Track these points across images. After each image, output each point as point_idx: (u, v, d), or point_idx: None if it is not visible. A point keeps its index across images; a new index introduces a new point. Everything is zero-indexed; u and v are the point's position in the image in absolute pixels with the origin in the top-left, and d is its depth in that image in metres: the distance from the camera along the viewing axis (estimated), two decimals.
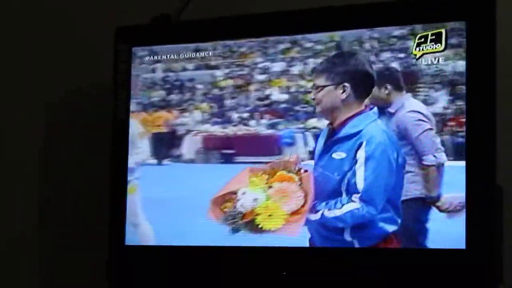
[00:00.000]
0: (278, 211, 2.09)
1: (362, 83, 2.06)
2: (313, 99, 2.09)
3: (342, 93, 2.06)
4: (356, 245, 2.04)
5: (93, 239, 2.45)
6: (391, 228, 2.02)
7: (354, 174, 2.03)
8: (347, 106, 2.06)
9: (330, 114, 2.08)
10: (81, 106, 2.59)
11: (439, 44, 2.03)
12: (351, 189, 2.03)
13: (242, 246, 2.16)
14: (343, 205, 2.04)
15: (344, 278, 2.06)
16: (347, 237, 2.05)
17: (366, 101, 2.06)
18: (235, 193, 2.13)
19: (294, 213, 2.08)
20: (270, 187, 2.11)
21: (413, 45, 2.05)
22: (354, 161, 2.03)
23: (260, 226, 2.10)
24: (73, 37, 2.61)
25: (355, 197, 2.03)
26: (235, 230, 2.13)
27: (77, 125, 2.59)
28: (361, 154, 2.02)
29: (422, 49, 2.05)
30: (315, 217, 2.06)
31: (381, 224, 2.02)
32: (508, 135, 2.05)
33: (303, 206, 2.07)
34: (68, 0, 2.65)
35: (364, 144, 2.02)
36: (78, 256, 2.54)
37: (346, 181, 2.03)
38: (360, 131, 2.04)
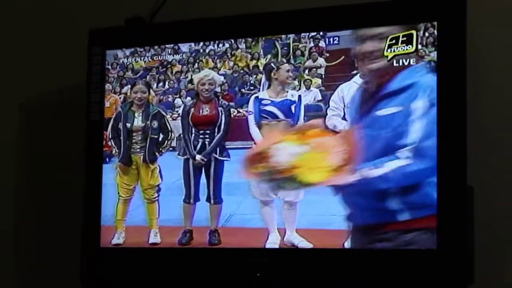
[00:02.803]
0: (321, 164, 2.03)
1: None
2: None
3: None
4: (405, 217, 1.97)
5: (68, 241, 2.45)
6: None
7: (407, 126, 1.99)
8: None
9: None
10: (56, 106, 2.58)
11: (410, 46, 2.04)
12: (400, 144, 1.98)
13: (217, 248, 2.17)
14: (388, 161, 1.98)
15: (315, 278, 2.08)
16: (392, 204, 1.99)
17: None
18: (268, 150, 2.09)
19: (340, 167, 2.02)
20: (306, 143, 2.06)
21: (385, 47, 2.06)
22: (409, 113, 2.00)
23: (300, 180, 2.04)
24: (47, 37, 2.60)
25: (405, 152, 1.98)
26: (276, 186, 2.10)
27: (52, 124, 2.58)
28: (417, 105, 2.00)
29: (393, 51, 2.06)
30: (353, 178, 2.00)
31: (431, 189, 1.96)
32: (479, 135, 2.06)
33: (349, 159, 2.01)
34: (42, 1, 2.64)
35: (419, 95, 1.99)
36: (53, 258, 2.54)
37: (395, 136, 1.99)
38: (414, 83, 2.01)
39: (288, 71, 2.16)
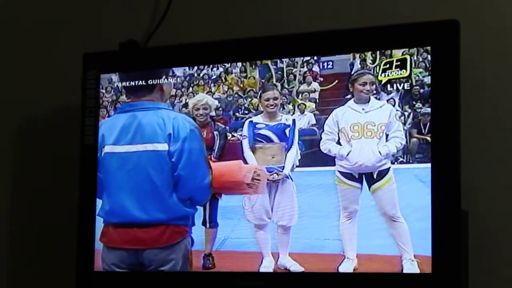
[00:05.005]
0: None
1: None
2: None
3: None
4: None
5: (62, 265, 2.44)
6: None
7: None
8: None
9: None
10: (50, 129, 2.58)
11: (404, 70, 2.05)
12: None
13: (211, 272, 2.17)
14: None
15: None
16: None
17: None
18: None
19: None
20: None
21: (379, 71, 2.07)
22: None
23: None
24: (41, 61, 2.61)
25: None
26: None
27: (46, 148, 2.58)
28: None
29: (388, 75, 2.06)
30: None
31: None
32: (473, 159, 2.07)
33: None
34: (37, 23, 2.64)
35: None
36: (47, 282, 2.53)
37: None
38: None
39: (267, 99, 2.17)
